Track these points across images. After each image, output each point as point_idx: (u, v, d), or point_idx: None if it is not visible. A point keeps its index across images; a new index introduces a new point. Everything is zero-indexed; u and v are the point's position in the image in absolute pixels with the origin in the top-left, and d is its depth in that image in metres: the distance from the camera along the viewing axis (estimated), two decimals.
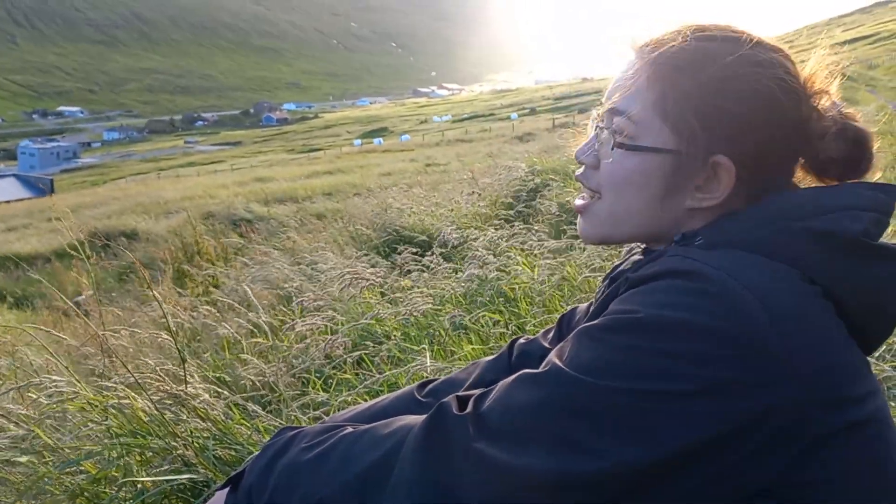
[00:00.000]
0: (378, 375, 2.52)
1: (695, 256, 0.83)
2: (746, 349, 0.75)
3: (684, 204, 0.97)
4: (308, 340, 2.91)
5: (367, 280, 3.56)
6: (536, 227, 4.60)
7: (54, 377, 1.86)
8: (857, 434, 0.80)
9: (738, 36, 0.97)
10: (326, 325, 3.02)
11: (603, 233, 1.03)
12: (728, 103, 0.92)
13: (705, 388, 0.74)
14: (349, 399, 2.42)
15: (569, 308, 1.28)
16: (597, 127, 1.03)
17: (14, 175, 73.51)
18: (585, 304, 1.24)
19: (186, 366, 1.93)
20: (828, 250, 0.85)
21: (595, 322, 0.83)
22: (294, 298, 3.94)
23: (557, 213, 5.27)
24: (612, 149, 0.97)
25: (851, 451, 0.80)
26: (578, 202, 1.06)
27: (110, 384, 1.86)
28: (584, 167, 1.05)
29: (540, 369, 0.82)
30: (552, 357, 0.83)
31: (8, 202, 43.59)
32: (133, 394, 1.79)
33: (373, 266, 4.36)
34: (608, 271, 1.20)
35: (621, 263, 1.14)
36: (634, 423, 0.74)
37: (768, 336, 0.76)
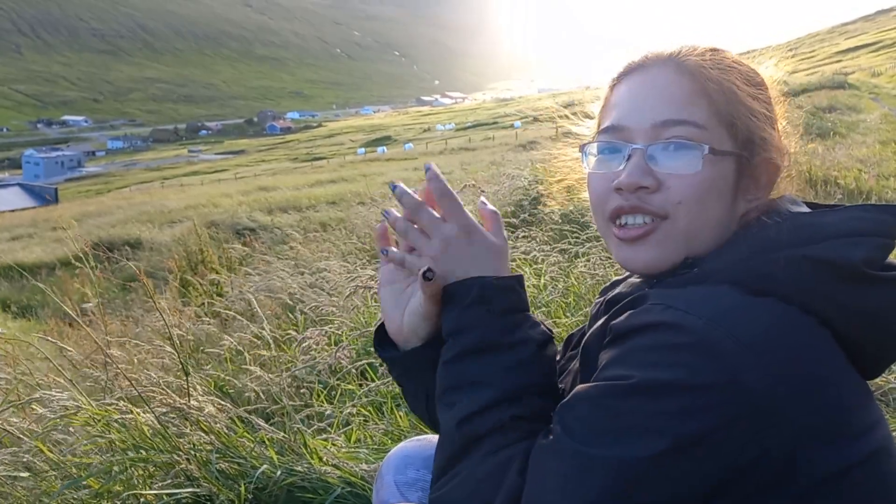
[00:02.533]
0: (379, 383, 2.51)
1: (677, 304, 0.82)
2: (733, 399, 0.76)
3: (740, 209, 0.97)
4: (313, 352, 2.90)
5: (373, 289, 3.55)
6: (539, 236, 4.58)
7: (56, 392, 1.85)
8: (859, 471, 0.80)
9: (725, 50, 1.00)
10: (331, 335, 3.02)
11: (678, 255, 0.96)
12: (762, 106, 0.97)
13: (698, 440, 0.76)
14: (353, 411, 2.41)
15: (577, 329, 1.25)
16: (636, 147, 0.96)
17: (19, 184, 73.77)
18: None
19: (189, 378, 1.92)
20: (825, 279, 0.84)
21: (597, 385, 0.84)
22: (297, 308, 3.94)
23: (560, 221, 5.26)
24: (703, 157, 0.93)
25: (856, 488, 0.80)
26: (633, 230, 0.97)
27: (113, 399, 1.85)
28: (633, 193, 0.96)
29: (554, 428, 0.85)
30: (557, 418, 0.85)
31: (12, 211, 43.71)
32: (136, 408, 1.79)
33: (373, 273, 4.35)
34: (605, 286, 1.19)
35: (620, 282, 1.12)
36: (633, 493, 0.77)
37: (754, 382, 0.76)
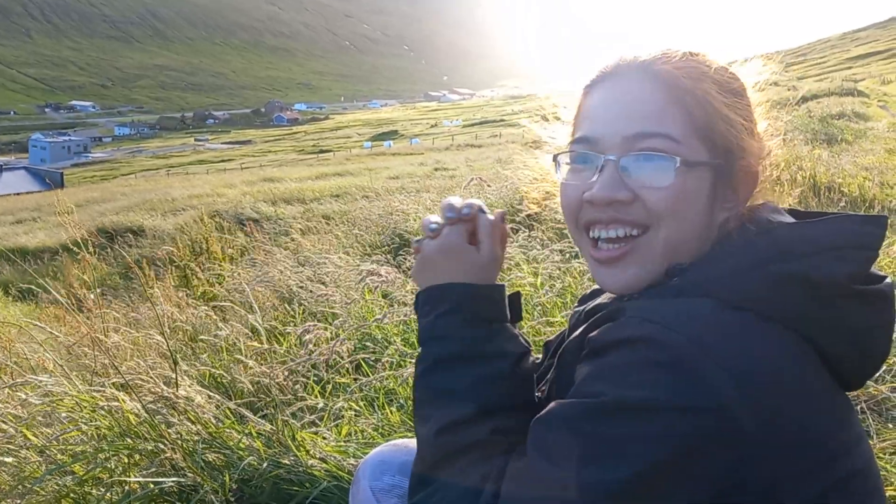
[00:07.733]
0: (372, 378, 2.50)
1: (655, 318, 0.80)
2: (711, 423, 0.74)
3: (719, 218, 0.95)
4: (307, 338, 2.89)
5: (381, 277, 3.53)
6: (540, 236, 4.57)
7: (44, 378, 1.84)
8: (838, 494, 0.79)
9: (701, 54, 0.98)
10: (327, 328, 3.00)
11: (657, 271, 0.93)
12: (739, 114, 0.94)
13: (674, 463, 0.74)
14: (345, 405, 2.40)
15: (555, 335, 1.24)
16: (609, 159, 0.93)
17: (24, 168, 73.74)
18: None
19: (180, 368, 1.91)
20: (808, 297, 0.82)
21: (573, 403, 0.81)
22: (296, 300, 3.93)
23: (561, 220, 5.25)
24: (675, 168, 0.90)
25: None
26: (611, 251, 0.95)
27: (100, 386, 1.84)
28: (608, 206, 0.94)
29: (529, 447, 0.83)
30: (532, 436, 0.83)
31: (17, 194, 43.78)
32: (123, 395, 1.78)
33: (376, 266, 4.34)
34: (584, 294, 1.17)
35: (600, 291, 1.10)
36: None
37: (733, 402, 0.74)
